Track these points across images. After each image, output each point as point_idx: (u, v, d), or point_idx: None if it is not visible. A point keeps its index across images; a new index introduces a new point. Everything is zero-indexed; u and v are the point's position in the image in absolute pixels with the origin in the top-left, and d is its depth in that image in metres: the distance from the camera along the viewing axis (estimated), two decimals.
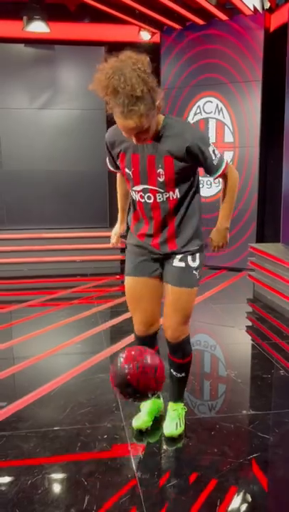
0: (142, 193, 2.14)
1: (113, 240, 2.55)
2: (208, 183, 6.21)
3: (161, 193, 2.11)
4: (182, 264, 2.21)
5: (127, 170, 2.13)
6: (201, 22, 5.93)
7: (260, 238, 6.15)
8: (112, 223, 6.55)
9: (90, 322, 4.27)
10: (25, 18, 5.79)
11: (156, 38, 6.39)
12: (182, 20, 6.00)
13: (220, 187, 6.25)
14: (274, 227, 5.87)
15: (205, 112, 6.15)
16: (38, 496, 2.04)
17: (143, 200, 2.16)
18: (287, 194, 5.34)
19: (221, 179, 2.25)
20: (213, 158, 2.10)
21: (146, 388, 2.01)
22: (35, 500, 2.01)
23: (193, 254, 2.22)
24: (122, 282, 2.44)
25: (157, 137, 2.03)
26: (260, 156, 5.94)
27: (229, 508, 1.96)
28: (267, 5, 5.64)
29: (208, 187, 6.21)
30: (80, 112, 6.44)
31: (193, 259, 2.22)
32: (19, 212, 6.45)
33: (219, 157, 2.13)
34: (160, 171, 2.06)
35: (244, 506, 1.99)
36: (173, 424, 2.44)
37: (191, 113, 6.23)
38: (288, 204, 5.31)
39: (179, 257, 2.21)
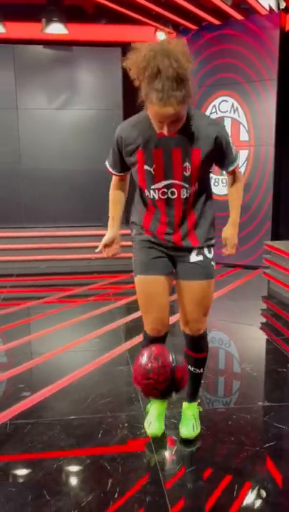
0: (164, 190, 2.07)
1: (102, 248, 2.35)
2: (223, 181, 6.27)
3: (186, 187, 2.06)
4: (200, 258, 2.19)
5: (146, 167, 2.04)
6: (216, 22, 6.00)
7: (275, 236, 6.20)
8: (128, 221, 6.64)
9: (107, 318, 4.37)
10: (44, 20, 5.92)
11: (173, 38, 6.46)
12: (198, 21, 6.07)
13: None
14: None
15: (220, 111, 6.22)
16: (63, 478, 2.14)
17: (165, 197, 2.08)
18: None
19: (229, 175, 2.27)
20: (233, 151, 2.13)
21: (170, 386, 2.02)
22: (61, 482, 2.12)
23: (208, 247, 2.22)
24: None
25: (183, 129, 1.93)
26: (276, 154, 5.99)
27: (247, 495, 2.04)
28: (282, 4, 5.68)
29: (224, 185, 6.27)
30: (97, 112, 6.55)
31: (209, 251, 2.22)
32: (37, 210, 6.59)
33: (235, 151, 2.16)
34: (187, 164, 2.01)
35: (261, 492, 2.07)
36: (190, 426, 2.43)
37: (207, 112, 6.29)
38: None
39: (195, 251, 2.19)
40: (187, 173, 2.04)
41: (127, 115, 6.92)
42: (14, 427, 2.55)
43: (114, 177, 2.29)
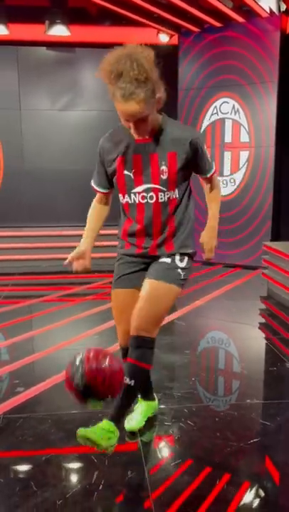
0: (144, 194, 2.14)
1: (70, 260, 2.34)
2: (224, 182, 6.32)
3: (164, 191, 2.13)
4: (167, 260, 2.19)
5: (126, 172, 2.14)
6: (218, 24, 6.05)
7: (276, 237, 6.23)
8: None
9: (106, 316, 4.43)
10: (47, 22, 6.00)
11: (175, 40, 6.53)
12: (200, 23, 6.12)
13: (235, 186, 6.36)
14: None
15: (221, 113, 6.27)
16: (51, 470, 2.21)
17: (144, 201, 2.15)
18: None
19: (207, 183, 2.33)
20: (208, 158, 2.21)
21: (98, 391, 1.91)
22: (48, 474, 2.18)
23: (182, 255, 2.21)
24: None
25: (158, 134, 2.08)
26: (276, 155, 6.03)
27: (226, 486, 2.10)
28: (283, 7, 5.72)
29: (224, 186, 6.31)
30: (99, 113, 6.62)
31: (181, 260, 2.21)
32: (40, 209, 6.68)
33: (210, 159, 2.24)
34: (163, 168, 2.10)
35: (240, 485, 2.12)
36: (132, 420, 2.48)
37: (208, 113, 6.35)
38: None
39: (166, 255, 2.20)
40: (164, 177, 2.12)
41: None
42: (7, 421, 2.62)
43: (98, 195, 2.37)
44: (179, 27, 6.28)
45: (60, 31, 6.02)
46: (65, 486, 2.11)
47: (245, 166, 6.22)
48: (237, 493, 2.04)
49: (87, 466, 2.25)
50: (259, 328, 4.29)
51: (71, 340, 3.84)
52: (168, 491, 2.08)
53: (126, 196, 2.19)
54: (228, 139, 6.27)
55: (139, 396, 2.53)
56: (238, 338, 4.05)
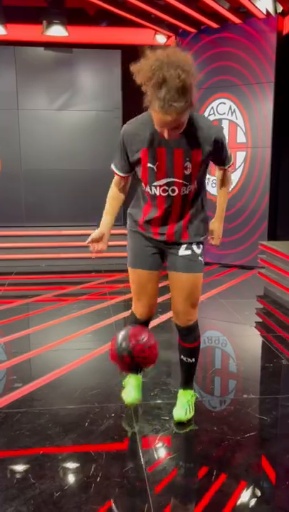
0: (165, 187, 2.18)
1: (89, 241, 2.43)
2: None
3: (186, 185, 2.17)
4: (189, 252, 2.32)
5: (150, 165, 2.15)
6: (215, 25, 6.08)
7: (273, 237, 6.26)
8: (125, 221, 6.73)
9: (102, 314, 4.45)
10: (44, 22, 6.01)
11: (172, 41, 6.57)
12: (197, 24, 6.16)
13: (232, 186, 6.34)
14: (286, 227, 5.98)
15: (218, 113, 6.30)
16: (48, 463, 2.22)
17: (166, 194, 2.19)
18: None
19: (220, 173, 2.44)
20: (228, 150, 2.30)
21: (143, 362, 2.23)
22: (46, 467, 2.19)
23: (198, 243, 2.34)
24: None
25: (185, 131, 2.05)
26: (273, 156, 6.05)
27: (225, 481, 2.11)
28: (279, 8, 5.76)
29: None
30: (97, 113, 6.64)
31: (198, 247, 2.35)
32: (37, 209, 6.68)
33: (230, 152, 2.33)
34: (187, 164, 2.12)
35: (238, 479, 2.14)
36: (182, 410, 2.53)
37: (205, 114, 6.37)
38: None
39: (184, 246, 2.32)
40: (188, 172, 2.15)
41: (126, 116, 6.98)
42: (4, 415, 2.63)
43: (117, 178, 2.37)
44: (176, 28, 6.31)
45: (57, 32, 6.04)
46: (62, 479, 2.12)
47: (242, 166, 6.24)
48: (236, 488, 2.06)
49: (85, 459, 2.25)
50: (255, 327, 4.31)
51: (66, 338, 3.84)
52: (165, 483, 2.09)
53: (147, 187, 2.23)
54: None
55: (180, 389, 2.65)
56: (235, 335, 4.06)
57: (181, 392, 2.63)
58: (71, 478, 2.12)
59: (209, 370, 3.31)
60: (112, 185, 2.42)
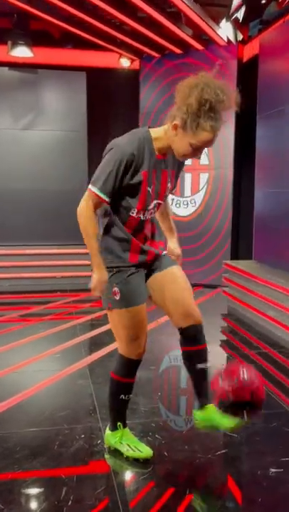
0: (152, 210, 2.16)
1: (99, 288, 2.11)
2: (185, 202, 6.46)
3: (160, 205, 2.22)
4: (165, 252, 2.36)
5: (148, 188, 2.07)
6: (178, 51, 6.26)
7: (235, 256, 6.39)
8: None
9: (69, 334, 4.40)
10: (9, 42, 6.03)
11: (136, 65, 6.71)
12: (161, 49, 6.32)
13: (196, 206, 6.47)
14: (247, 246, 6.13)
15: None
16: (18, 488, 2.16)
17: (151, 216, 2.19)
18: (258, 214, 5.62)
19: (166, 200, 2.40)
20: None
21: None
22: (15, 492, 2.13)
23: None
24: (100, 298, 2.21)
25: (169, 153, 2.10)
26: (234, 177, 6.23)
27: (195, 498, 2.11)
28: (240, 37, 6.00)
29: (185, 207, 6.46)
30: (61, 133, 6.67)
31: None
32: (2, 229, 6.59)
33: None
34: (169, 184, 2.17)
35: (208, 495, 2.15)
36: (228, 419, 2.15)
37: None
38: (259, 224, 5.59)
39: (160, 248, 2.31)
40: (167, 193, 2.21)
41: (91, 137, 6.95)
42: None
43: (96, 203, 2.06)
44: (140, 52, 6.46)
45: (22, 52, 6.07)
46: (32, 503, 2.07)
47: (205, 187, 6.39)
48: (206, 504, 2.06)
49: (55, 483, 2.21)
50: (220, 345, 4.37)
51: (33, 359, 3.78)
52: (138, 504, 2.07)
53: (140, 212, 2.11)
54: (188, 161, 6.41)
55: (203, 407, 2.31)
56: None
57: (210, 407, 2.23)
58: (42, 503, 2.07)
59: (178, 390, 3.32)
60: (88, 216, 2.07)
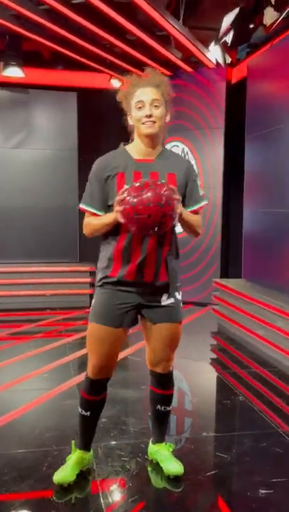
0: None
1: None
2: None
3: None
4: (172, 301, 2.20)
5: (126, 186, 2.04)
6: (168, 73, 6.36)
7: (225, 275, 6.43)
8: (82, 258, 6.76)
9: (58, 353, 4.38)
10: (1, 63, 6.10)
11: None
12: None
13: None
14: (237, 264, 6.17)
15: None
16: (5, 510, 2.13)
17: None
18: (247, 234, 5.68)
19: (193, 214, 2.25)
20: (200, 191, 2.23)
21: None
22: None
23: (178, 288, 2.23)
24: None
25: (159, 156, 2.16)
26: (224, 197, 6.30)
27: None
28: (228, 59, 6.13)
29: (176, 225, 6.49)
30: (52, 152, 6.72)
31: (179, 293, 2.24)
32: None
33: (202, 193, 2.24)
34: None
35: None
36: (177, 464, 2.38)
37: None
38: (248, 243, 5.65)
39: (166, 295, 2.18)
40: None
41: (82, 155, 6.98)
42: None
43: (87, 218, 2.17)
44: (131, 73, 6.54)
45: (14, 72, 6.13)
46: None
47: None
48: None
49: (43, 505, 2.18)
50: (210, 363, 4.37)
51: (22, 378, 3.75)
52: None
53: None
54: None
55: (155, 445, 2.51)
56: (191, 373, 4.09)
57: (161, 446, 2.47)
58: None
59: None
60: (87, 224, 2.18)
